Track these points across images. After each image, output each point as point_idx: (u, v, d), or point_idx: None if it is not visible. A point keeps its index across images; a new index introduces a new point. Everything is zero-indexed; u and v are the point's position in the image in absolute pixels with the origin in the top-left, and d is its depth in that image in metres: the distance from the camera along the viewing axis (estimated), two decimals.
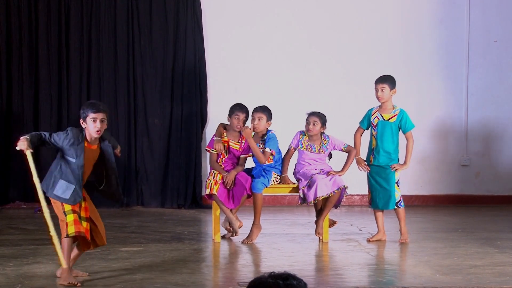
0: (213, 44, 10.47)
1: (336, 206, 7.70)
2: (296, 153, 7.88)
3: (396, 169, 7.61)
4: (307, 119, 7.74)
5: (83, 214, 5.64)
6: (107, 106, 9.93)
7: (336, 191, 7.52)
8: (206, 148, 7.89)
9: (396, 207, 7.64)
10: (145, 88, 10.30)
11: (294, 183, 7.76)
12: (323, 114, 7.73)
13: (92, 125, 5.61)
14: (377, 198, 7.68)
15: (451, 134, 10.90)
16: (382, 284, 5.84)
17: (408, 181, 9.97)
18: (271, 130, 7.75)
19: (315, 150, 7.74)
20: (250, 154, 7.73)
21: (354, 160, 7.74)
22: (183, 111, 10.35)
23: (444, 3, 10.81)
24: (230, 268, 6.67)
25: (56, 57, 10.11)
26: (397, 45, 10.70)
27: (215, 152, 7.65)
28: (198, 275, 6.08)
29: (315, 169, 7.68)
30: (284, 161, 7.81)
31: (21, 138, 5.55)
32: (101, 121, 5.63)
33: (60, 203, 5.59)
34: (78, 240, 5.70)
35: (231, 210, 7.61)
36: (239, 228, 7.58)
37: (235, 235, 7.62)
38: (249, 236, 7.58)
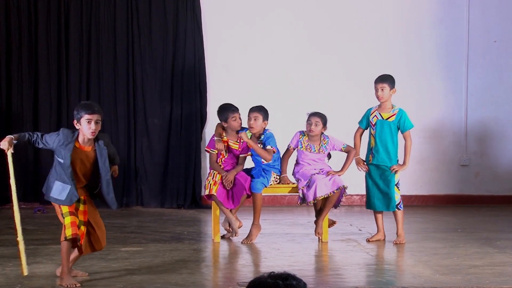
0: (212, 44, 10.47)
1: (336, 206, 7.71)
2: (294, 153, 7.88)
3: (396, 171, 7.60)
4: (308, 120, 7.73)
5: (81, 217, 5.62)
6: (107, 106, 10.11)
7: (335, 191, 7.52)
8: (206, 149, 7.88)
9: (396, 209, 7.63)
10: (145, 88, 10.30)
11: (293, 183, 7.76)
12: (324, 115, 7.73)
13: (87, 126, 5.56)
14: (375, 199, 7.67)
15: (451, 134, 10.90)
16: (381, 284, 5.84)
17: (407, 181, 9.96)
18: (268, 129, 7.75)
19: (315, 151, 7.74)
20: (250, 153, 7.73)
21: (354, 160, 7.74)
22: (182, 111, 10.35)
23: (444, 3, 10.81)
24: (230, 268, 6.67)
25: (56, 57, 10.11)
26: (397, 45, 10.70)
27: (215, 153, 7.65)
28: (197, 275, 6.08)
29: (314, 169, 7.68)
30: (283, 161, 7.81)
31: (6, 137, 5.57)
32: (96, 123, 5.57)
33: (58, 206, 5.57)
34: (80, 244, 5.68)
35: (230, 210, 7.61)
36: (239, 228, 7.58)
37: (235, 235, 7.62)
38: (249, 236, 7.58)
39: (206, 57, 10.42)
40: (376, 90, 7.65)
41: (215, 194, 7.47)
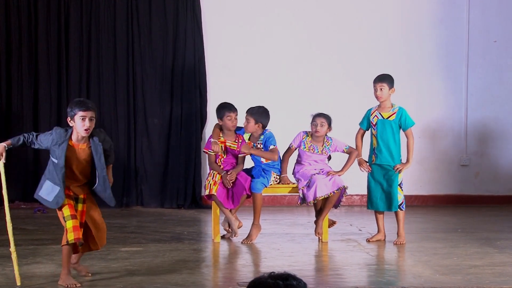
0: (212, 44, 10.47)
1: (336, 206, 7.70)
2: (294, 152, 7.87)
3: (399, 169, 7.58)
4: (313, 121, 7.71)
5: (82, 219, 5.60)
6: (107, 106, 10.11)
7: (335, 191, 7.52)
8: (204, 150, 7.88)
9: (398, 209, 7.62)
10: (145, 88, 10.30)
11: (293, 183, 7.76)
12: (328, 115, 7.72)
13: (81, 123, 5.49)
14: (377, 199, 7.66)
15: (451, 134, 10.90)
16: (381, 284, 5.84)
17: (407, 181, 9.91)
18: (267, 129, 7.75)
19: (318, 152, 7.73)
20: (248, 151, 7.72)
21: (355, 161, 7.73)
22: (182, 111, 10.35)
23: (444, 3, 10.81)
24: (230, 268, 6.66)
25: (56, 57, 10.12)
26: (397, 45, 10.70)
27: (213, 153, 7.65)
28: (197, 275, 6.08)
29: (315, 169, 7.68)
30: (283, 160, 7.80)
31: (2, 144, 5.53)
32: (90, 120, 5.50)
33: (61, 210, 5.54)
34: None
35: (230, 210, 7.60)
36: (239, 228, 7.58)
37: (235, 235, 7.61)
38: (249, 236, 7.57)
39: (206, 57, 10.42)
40: (375, 90, 7.64)
41: (215, 194, 7.47)
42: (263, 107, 7.80)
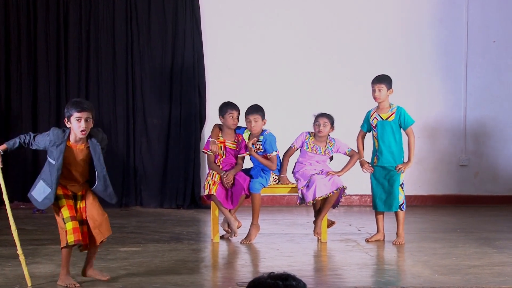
0: (211, 43, 10.47)
1: (335, 206, 7.70)
2: (295, 152, 7.87)
3: (401, 169, 7.57)
4: (315, 121, 7.70)
5: (80, 215, 5.56)
6: (106, 106, 10.11)
7: (335, 191, 7.52)
8: (203, 150, 7.87)
9: (399, 210, 7.61)
10: (144, 88, 10.30)
11: (292, 183, 7.76)
12: (331, 115, 7.72)
13: (77, 124, 5.45)
14: (378, 200, 7.65)
15: (450, 133, 10.90)
16: (381, 284, 5.84)
17: (406, 181, 9.93)
18: (266, 129, 7.74)
19: (321, 152, 7.73)
20: (248, 153, 7.73)
21: (355, 163, 7.72)
22: (181, 111, 10.35)
23: (443, 3, 10.81)
24: (229, 269, 6.67)
25: (55, 56, 10.11)
26: (396, 44, 10.70)
27: (212, 154, 7.65)
28: (197, 275, 6.08)
29: (315, 170, 7.68)
30: (283, 160, 7.79)
31: None
32: (86, 120, 5.45)
33: (60, 210, 5.52)
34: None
35: (229, 211, 7.60)
36: (238, 228, 7.58)
37: (234, 235, 7.61)
38: (248, 237, 7.57)
39: (205, 56, 10.42)
40: (374, 91, 7.63)
41: (214, 194, 7.47)
42: (257, 104, 7.80)
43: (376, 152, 7.69)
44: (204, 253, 7.31)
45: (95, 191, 5.62)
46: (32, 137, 5.58)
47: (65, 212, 5.50)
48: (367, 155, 7.79)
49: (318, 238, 7.65)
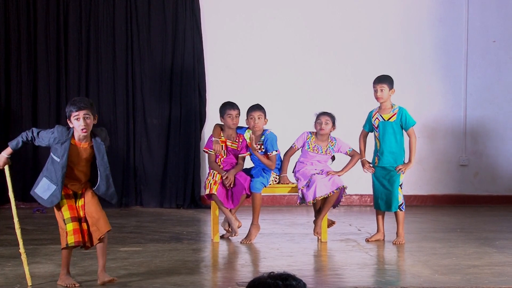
0: (211, 43, 10.47)
1: (335, 206, 7.71)
2: (296, 152, 7.87)
3: (401, 170, 7.56)
4: (317, 119, 7.70)
5: (81, 213, 5.55)
6: (106, 106, 10.09)
7: (335, 191, 7.52)
8: (204, 149, 7.86)
9: (398, 210, 7.61)
10: (144, 88, 10.30)
11: (293, 183, 7.76)
12: (332, 114, 7.72)
13: (77, 123, 5.42)
14: (379, 199, 7.65)
15: (450, 133, 10.90)
16: (381, 284, 5.83)
17: (406, 181, 9.93)
18: (267, 129, 7.74)
19: (322, 152, 7.73)
20: (249, 153, 7.73)
21: (360, 162, 7.71)
22: (181, 111, 10.35)
23: (443, 2, 10.81)
24: (229, 268, 6.66)
25: (55, 56, 10.11)
26: (396, 44, 10.70)
27: (213, 153, 7.65)
28: (197, 275, 6.08)
29: (315, 169, 7.68)
30: (284, 160, 7.79)
31: (3, 154, 5.57)
32: (84, 118, 5.42)
33: (60, 210, 5.51)
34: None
35: (230, 210, 7.60)
36: (238, 228, 7.58)
37: (234, 235, 7.61)
38: (248, 236, 7.57)
39: (205, 56, 10.42)
40: (375, 91, 7.62)
41: (215, 193, 7.47)
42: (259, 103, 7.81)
43: (377, 152, 7.68)
44: (204, 253, 7.31)
45: (96, 191, 5.59)
46: (35, 133, 5.55)
47: (66, 213, 5.49)
48: (369, 155, 7.78)
49: (318, 238, 7.65)
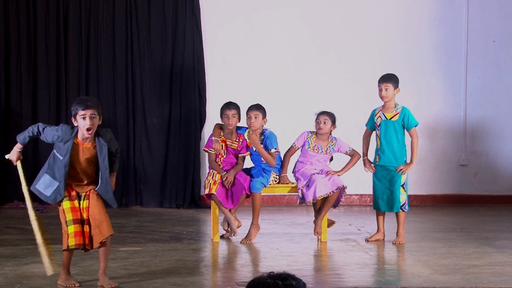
0: (211, 43, 10.47)
1: (335, 206, 7.71)
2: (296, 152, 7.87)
3: (402, 171, 7.55)
4: (316, 119, 7.72)
5: (84, 215, 5.52)
6: (106, 106, 10.09)
7: (335, 191, 7.52)
8: (204, 148, 7.86)
9: (400, 210, 7.61)
10: (144, 88, 10.30)
11: (293, 183, 7.76)
12: (332, 113, 7.73)
13: (82, 122, 5.40)
14: (379, 200, 7.65)
15: (450, 133, 10.90)
16: (380, 284, 5.84)
17: None
18: (267, 128, 7.75)
19: (322, 152, 7.73)
20: (249, 152, 7.73)
21: (362, 161, 7.71)
22: (181, 110, 10.35)
23: (443, 2, 10.81)
24: (229, 268, 6.67)
25: (55, 56, 10.11)
26: (396, 44, 10.70)
27: (213, 152, 7.65)
28: (196, 275, 6.08)
29: (315, 169, 7.68)
30: (284, 159, 7.80)
31: (15, 149, 5.57)
32: (91, 118, 5.40)
33: (62, 210, 5.51)
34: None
35: (229, 210, 7.60)
36: (238, 228, 7.58)
37: (234, 235, 7.61)
38: (248, 236, 7.57)
39: (205, 56, 10.42)
40: (380, 90, 7.60)
41: (214, 193, 7.47)
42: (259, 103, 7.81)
43: (378, 151, 7.68)
44: (204, 253, 7.31)
45: (98, 192, 5.57)
46: (41, 129, 5.55)
47: (68, 215, 5.48)
48: (371, 155, 7.78)
49: (318, 237, 7.65)
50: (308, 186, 7.57)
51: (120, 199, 10.00)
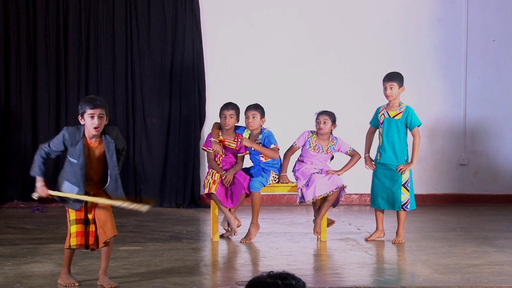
0: (211, 43, 10.48)
1: (335, 205, 7.71)
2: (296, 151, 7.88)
3: (402, 170, 7.55)
4: (316, 119, 7.72)
5: (90, 215, 5.50)
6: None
7: (334, 190, 7.52)
8: (203, 147, 7.87)
9: (401, 209, 7.60)
10: (143, 88, 10.31)
11: (292, 183, 7.76)
12: (332, 113, 7.73)
13: (90, 121, 5.38)
14: (379, 198, 7.65)
15: (449, 133, 10.91)
16: (380, 283, 5.84)
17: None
18: (265, 128, 7.75)
19: (323, 151, 7.73)
20: (248, 152, 7.74)
21: (356, 163, 7.71)
22: (181, 110, 10.35)
23: (442, 2, 10.82)
24: (229, 268, 6.67)
25: (54, 56, 10.11)
26: (395, 44, 10.71)
27: (212, 151, 7.65)
28: (196, 275, 6.09)
29: (315, 169, 7.68)
30: (284, 159, 7.80)
31: (38, 186, 5.45)
32: (99, 117, 5.40)
33: (68, 210, 5.49)
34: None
35: (229, 210, 7.61)
36: (238, 227, 7.58)
37: (234, 234, 7.62)
38: (247, 236, 7.58)
39: (205, 56, 10.42)
40: (385, 89, 7.59)
41: (214, 192, 7.48)
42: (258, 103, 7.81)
43: (380, 148, 7.69)
44: (204, 252, 7.31)
45: (106, 190, 5.51)
46: (46, 147, 5.47)
47: (72, 214, 5.47)
48: (372, 152, 7.78)
49: (317, 237, 7.65)
50: (307, 185, 7.58)
51: None
